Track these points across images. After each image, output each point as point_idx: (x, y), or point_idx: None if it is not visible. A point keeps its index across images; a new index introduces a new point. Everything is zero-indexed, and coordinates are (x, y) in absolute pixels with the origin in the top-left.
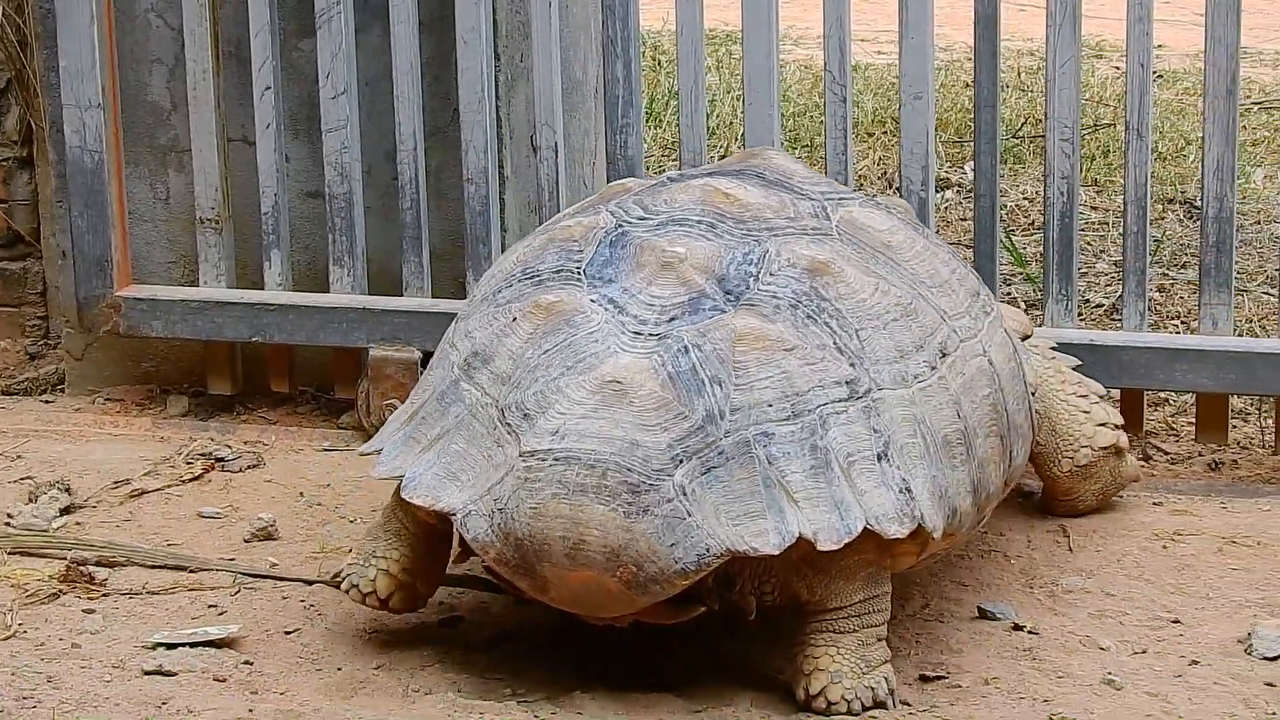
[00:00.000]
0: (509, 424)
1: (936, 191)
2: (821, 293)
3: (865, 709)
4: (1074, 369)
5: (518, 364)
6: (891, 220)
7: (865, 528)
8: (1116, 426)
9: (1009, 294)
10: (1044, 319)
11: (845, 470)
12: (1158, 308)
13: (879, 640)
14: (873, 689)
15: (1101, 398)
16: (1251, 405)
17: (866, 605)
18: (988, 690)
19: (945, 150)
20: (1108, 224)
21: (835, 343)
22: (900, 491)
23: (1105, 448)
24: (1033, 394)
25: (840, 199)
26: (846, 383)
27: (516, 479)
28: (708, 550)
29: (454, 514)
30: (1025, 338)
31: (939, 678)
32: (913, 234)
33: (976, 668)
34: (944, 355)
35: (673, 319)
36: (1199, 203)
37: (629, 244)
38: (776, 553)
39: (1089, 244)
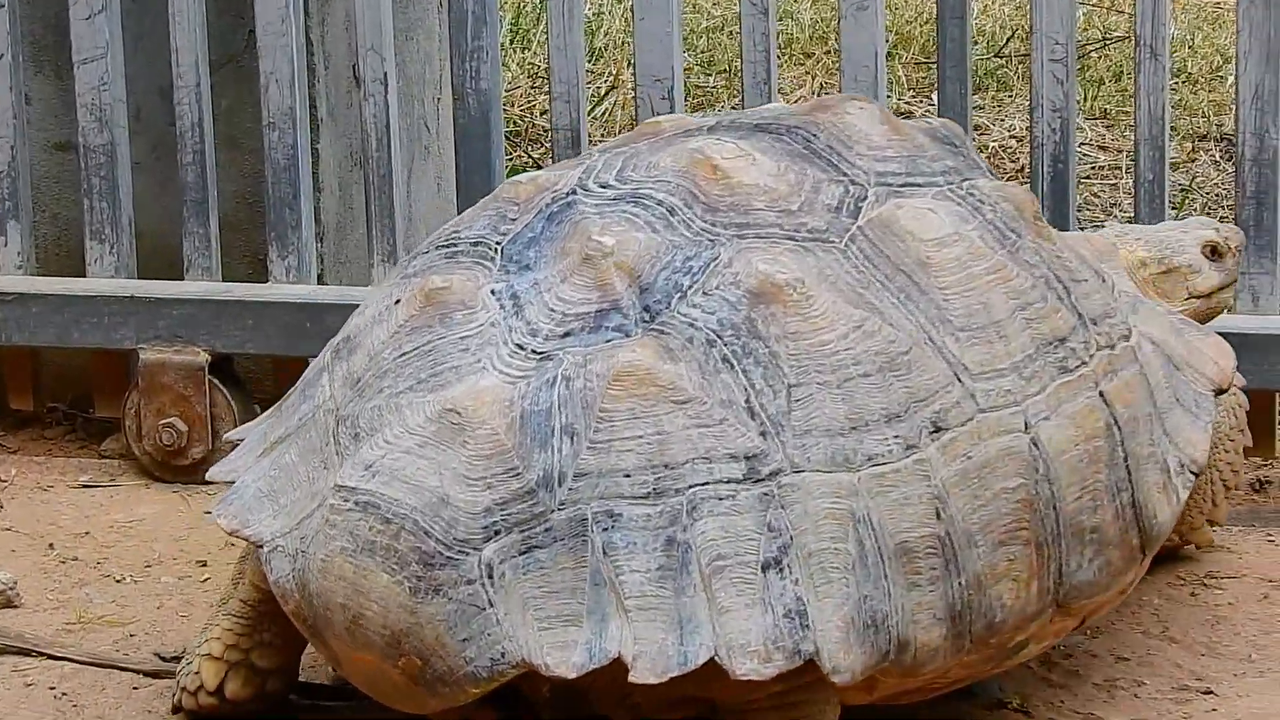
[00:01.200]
0: (339, 442)
1: None
2: (758, 327)
3: None
4: None
5: (372, 363)
6: (955, 226)
7: (712, 659)
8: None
9: None
10: None
11: (707, 577)
12: None
13: None
14: None
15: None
16: None
17: None
18: None
19: (907, 74)
20: (1120, 168)
21: (749, 400)
22: (786, 615)
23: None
24: (1193, 473)
25: (911, 186)
26: (746, 457)
27: (322, 518)
28: (502, 656)
29: (261, 546)
30: (1220, 391)
31: None
32: (983, 248)
33: None
34: (937, 430)
35: (568, 334)
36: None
37: (565, 221)
38: (575, 675)
39: (1097, 195)
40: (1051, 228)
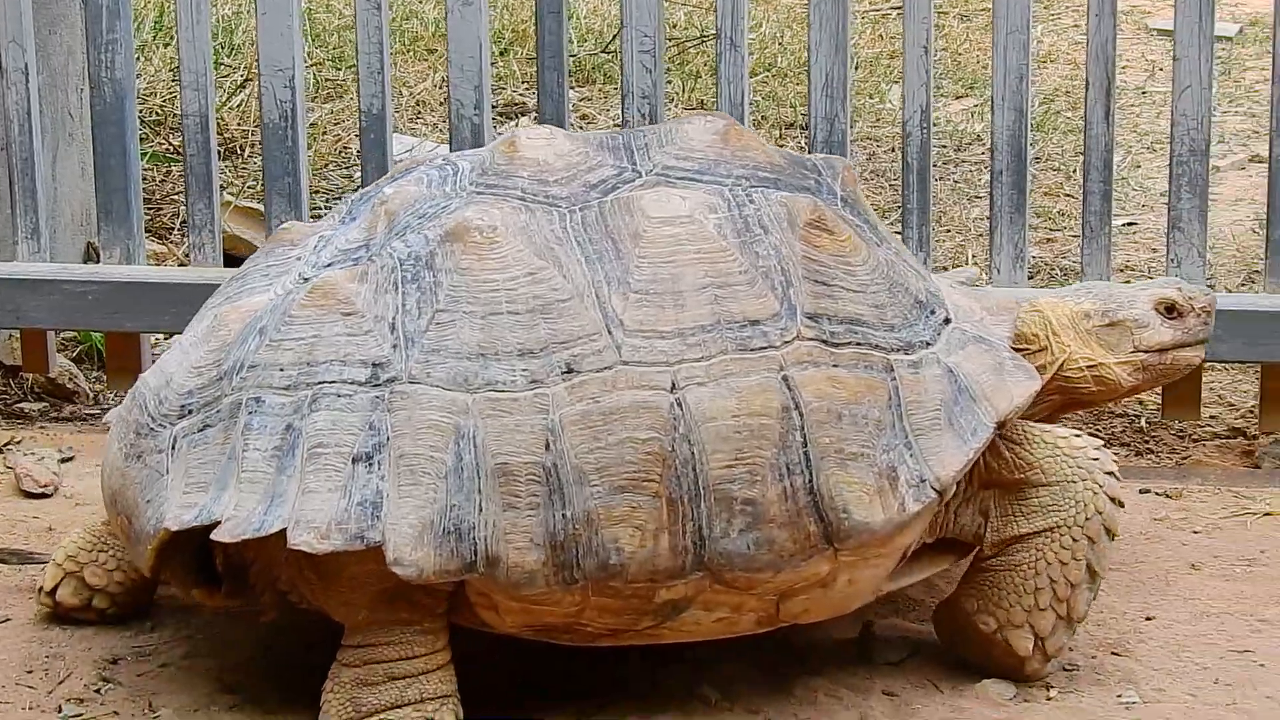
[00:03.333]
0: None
1: (512, 119)
2: (435, 260)
3: None
4: None
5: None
6: (693, 212)
7: (283, 530)
8: None
9: None
10: None
11: (304, 461)
12: None
13: (390, 682)
14: None
15: None
16: None
17: (376, 633)
18: None
19: (520, 68)
20: None
21: (395, 318)
22: (361, 504)
23: None
24: (935, 489)
25: (689, 181)
26: (373, 364)
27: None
28: (159, 519)
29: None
30: (1000, 424)
31: None
32: (710, 233)
33: None
34: (570, 372)
35: (330, 264)
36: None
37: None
38: (176, 529)
39: None
40: (858, 245)
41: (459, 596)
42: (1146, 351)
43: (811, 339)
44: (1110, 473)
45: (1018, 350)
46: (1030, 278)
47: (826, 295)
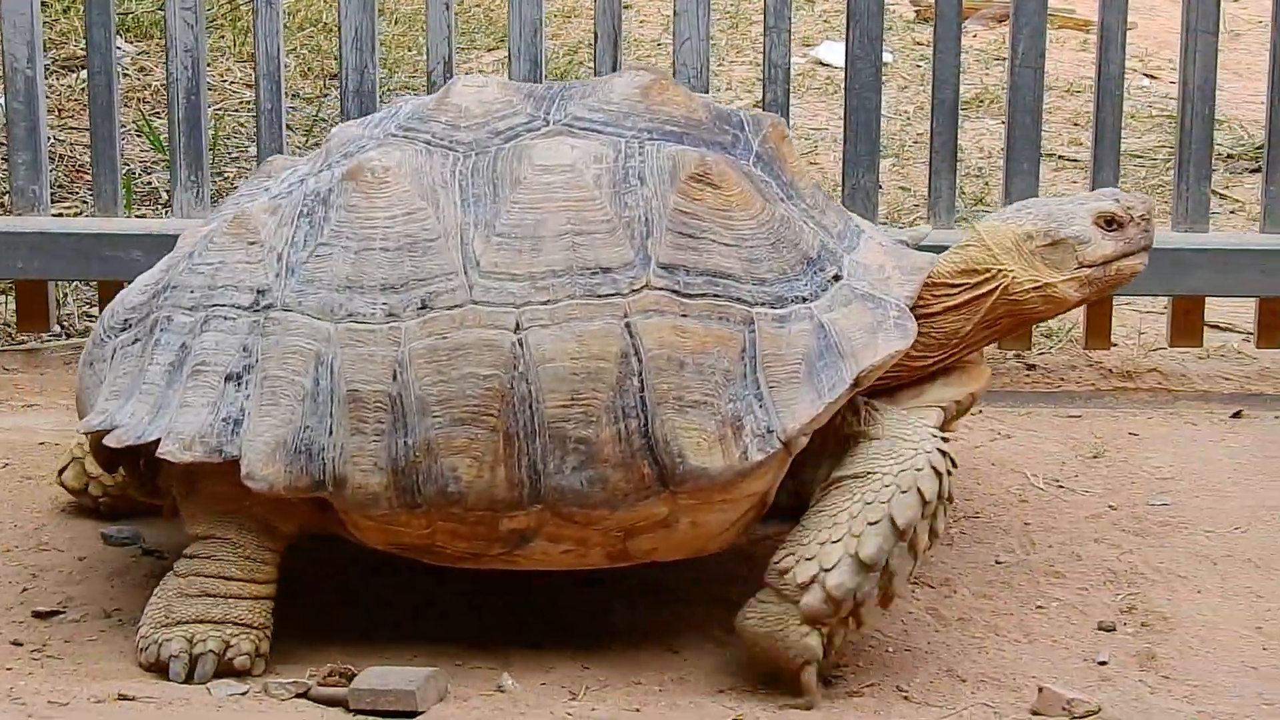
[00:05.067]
0: None
1: (73, 71)
2: (330, 197)
3: (152, 668)
4: None
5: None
6: (576, 160)
7: (158, 440)
8: None
9: (150, 183)
10: (175, 208)
11: (188, 377)
12: None
13: (203, 597)
14: (160, 645)
15: None
16: None
17: (207, 547)
18: None
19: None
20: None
21: (284, 248)
22: (225, 420)
23: None
24: (781, 440)
25: (591, 131)
26: (258, 290)
27: None
28: (88, 423)
29: None
30: (856, 383)
31: None
32: (585, 182)
33: None
34: (425, 308)
35: (275, 195)
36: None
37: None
38: (85, 431)
39: (243, 125)
40: (749, 200)
41: (331, 514)
42: (1091, 266)
43: (661, 288)
44: (941, 450)
45: (961, 283)
46: None
47: (690, 248)
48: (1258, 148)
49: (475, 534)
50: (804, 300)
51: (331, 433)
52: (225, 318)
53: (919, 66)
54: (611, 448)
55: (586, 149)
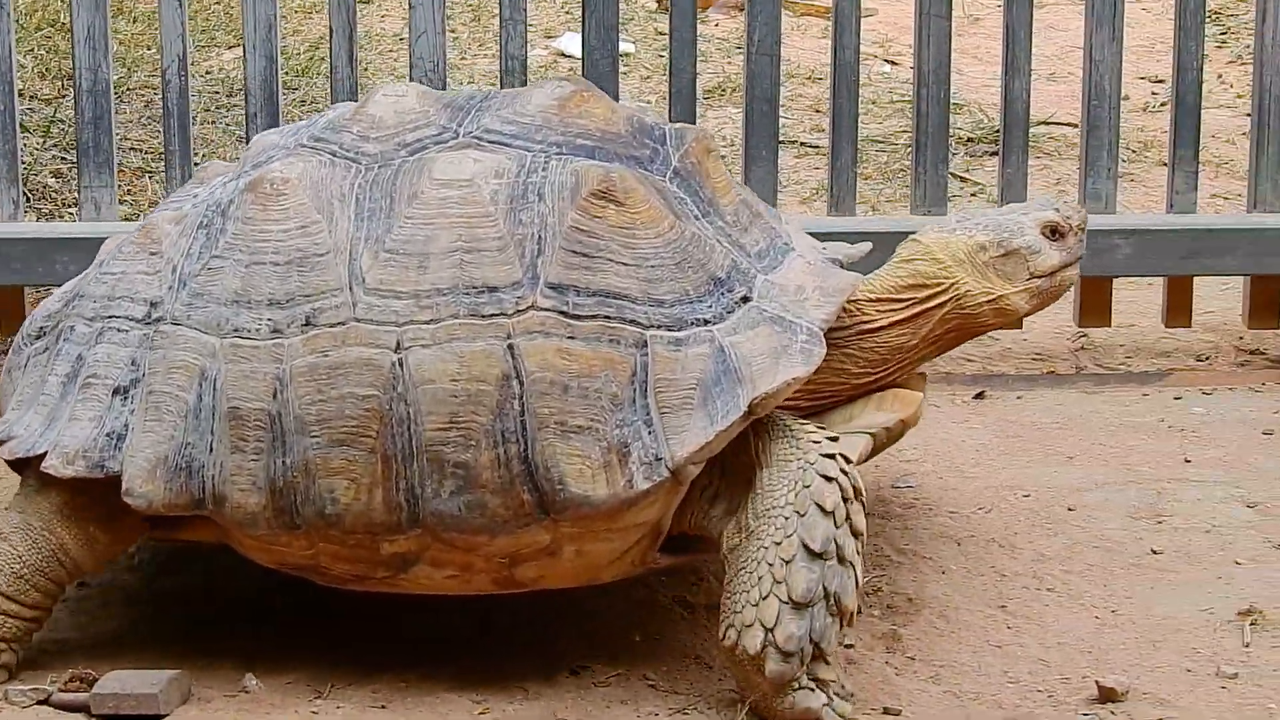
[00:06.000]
0: None
1: None
2: (229, 209)
3: None
4: None
5: None
6: (475, 175)
7: (44, 453)
8: None
9: None
10: None
11: (79, 389)
12: (53, 194)
13: None
14: None
15: None
16: None
17: None
18: None
19: None
20: None
21: (178, 260)
22: (109, 434)
23: None
24: (669, 469)
25: (499, 145)
26: (151, 303)
27: None
28: None
29: None
30: (749, 412)
31: None
32: (482, 199)
33: None
34: (309, 324)
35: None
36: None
37: None
38: None
39: None
40: (656, 217)
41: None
42: (1041, 276)
43: (548, 309)
44: (827, 454)
45: (909, 297)
46: None
47: (583, 267)
48: (996, 130)
49: (357, 556)
50: (706, 323)
51: (212, 450)
52: (119, 329)
53: (661, 56)
54: (490, 473)
55: (488, 163)
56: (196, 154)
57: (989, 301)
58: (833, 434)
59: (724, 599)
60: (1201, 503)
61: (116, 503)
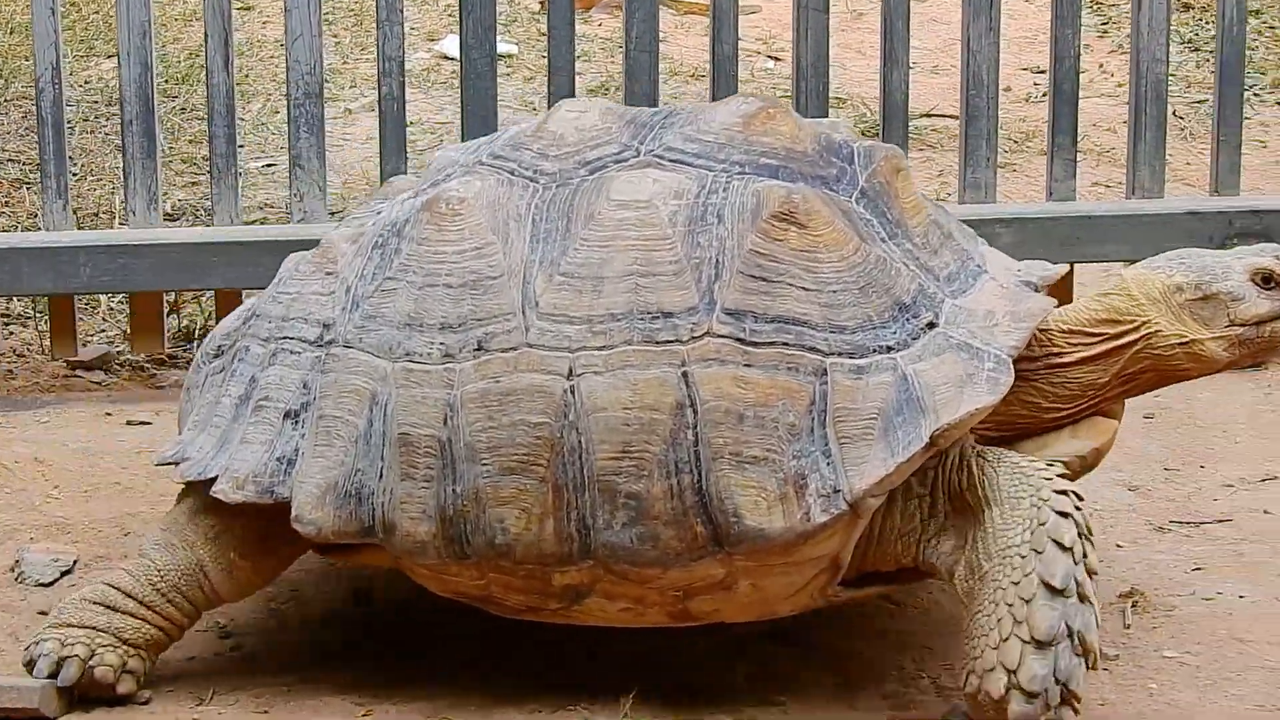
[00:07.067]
0: None
1: None
2: (404, 229)
3: (28, 665)
4: None
5: None
6: (653, 196)
7: (215, 477)
8: None
9: None
10: None
11: (253, 412)
12: None
13: (98, 607)
14: (37, 643)
15: None
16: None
17: (133, 565)
18: None
19: None
20: None
21: (353, 281)
22: (279, 459)
23: None
24: (848, 502)
25: (681, 165)
26: (323, 325)
27: None
28: (163, 454)
29: None
30: (932, 443)
31: None
32: (661, 220)
33: None
34: (480, 349)
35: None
36: None
37: None
38: (158, 464)
39: None
40: (841, 240)
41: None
42: (1243, 325)
43: (724, 336)
44: (1060, 490)
45: (1101, 332)
46: (174, 219)
47: (762, 292)
48: (878, 124)
49: (529, 587)
50: (889, 349)
51: (382, 476)
52: (292, 351)
53: (544, 57)
54: (663, 504)
55: (668, 183)
56: (74, 163)
57: (1181, 345)
58: (1062, 469)
59: (964, 644)
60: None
61: (263, 533)
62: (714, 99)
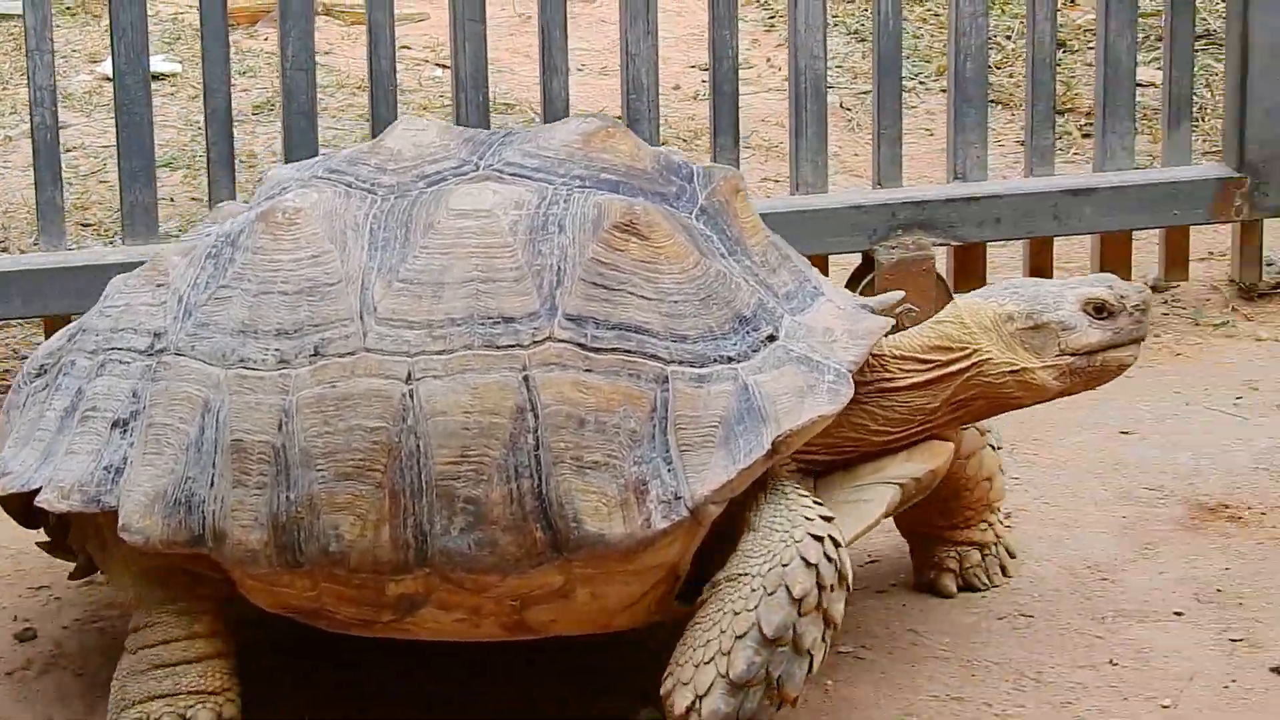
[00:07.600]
0: None
1: None
2: (239, 239)
3: None
4: None
5: None
6: (494, 206)
7: (38, 487)
8: None
9: None
10: None
11: (78, 423)
12: None
13: (152, 670)
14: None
15: None
16: None
17: (144, 615)
18: None
19: None
20: None
21: (184, 290)
22: (106, 468)
23: None
24: (689, 509)
25: (520, 177)
26: (154, 334)
27: None
28: None
29: None
30: (774, 450)
31: None
32: (500, 229)
33: None
34: (317, 355)
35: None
36: None
37: None
38: None
39: None
40: (681, 253)
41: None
42: (1074, 354)
43: (566, 340)
44: (815, 534)
45: (933, 359)
46: None
47: (603, 299)
48: None
49: (362, 598)
50: (730, 360)
51: (213, 484)
52: (121, 361)
53: None
54: (502, 509)
55: (507, 195)
56: None
57: (1012, 373)
58: (828, 512)
59: (676, 647)
60: None
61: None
62: (373, 114)
